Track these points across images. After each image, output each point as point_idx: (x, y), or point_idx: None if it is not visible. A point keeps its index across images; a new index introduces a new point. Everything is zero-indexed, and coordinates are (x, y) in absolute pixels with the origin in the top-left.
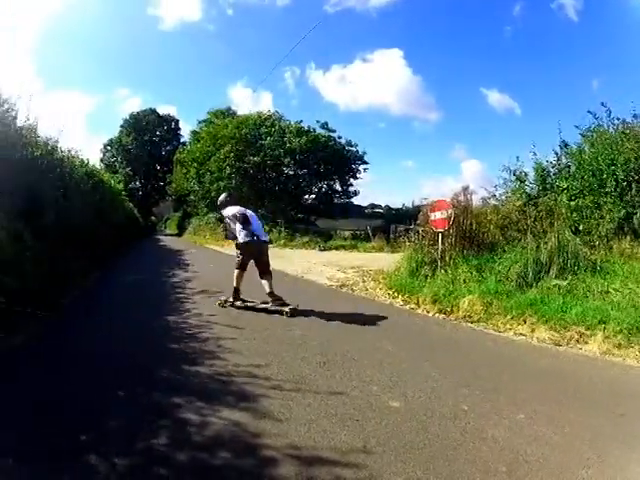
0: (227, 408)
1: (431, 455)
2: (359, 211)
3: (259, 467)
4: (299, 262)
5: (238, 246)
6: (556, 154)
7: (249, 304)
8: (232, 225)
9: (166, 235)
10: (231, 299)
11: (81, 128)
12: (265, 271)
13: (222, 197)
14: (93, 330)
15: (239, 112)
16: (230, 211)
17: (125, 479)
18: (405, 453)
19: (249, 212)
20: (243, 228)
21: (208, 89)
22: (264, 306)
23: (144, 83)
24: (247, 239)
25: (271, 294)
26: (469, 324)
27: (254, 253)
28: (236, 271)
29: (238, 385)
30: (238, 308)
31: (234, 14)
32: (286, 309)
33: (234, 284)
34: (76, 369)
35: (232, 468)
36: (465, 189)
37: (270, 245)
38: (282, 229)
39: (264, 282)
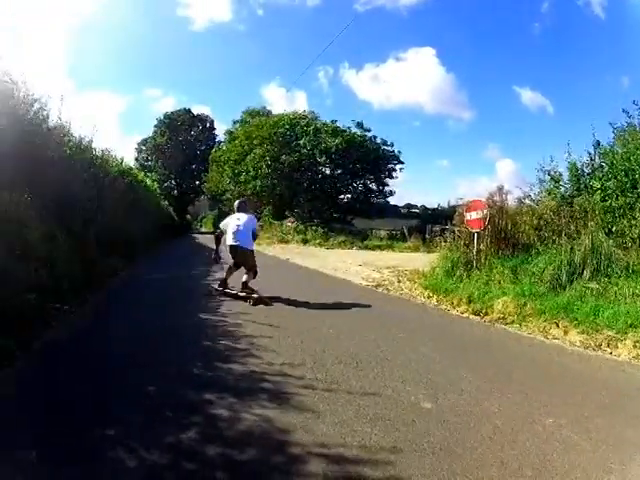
0: (259, 405)
1: (460, 457)
2: (395, 211)
3: (287, 464)
4: (335, 262)
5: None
6: (589, 153)
7: (228, 291)
8: (226, 228)
9: (201, 234)
10: (219, 287)
11: (114, 128)
12: (248, 269)
13: (235, 204)
14: (124, 326)
15: (274, 112)
16: (230, 219)
17: (153, 473)
18: (434, 455)
19: (243, 222)
20: (230, 234)
21: (241, 89)
22: (235, 292)
23: (177, 83)
24: (229, 243)
25: (244, 284)
26: (503, 326)
27: (235, 254)
28: (226, 265)
29: (271, 383)
30: (219, 294)
31: (264, 14)
32: (252, 297)
33: (224, 275)
34: (107, 364)
35: (261, 464)
36: (500, 189)
37: (306, 244)
38: (318, 229)
39: (245, 274)
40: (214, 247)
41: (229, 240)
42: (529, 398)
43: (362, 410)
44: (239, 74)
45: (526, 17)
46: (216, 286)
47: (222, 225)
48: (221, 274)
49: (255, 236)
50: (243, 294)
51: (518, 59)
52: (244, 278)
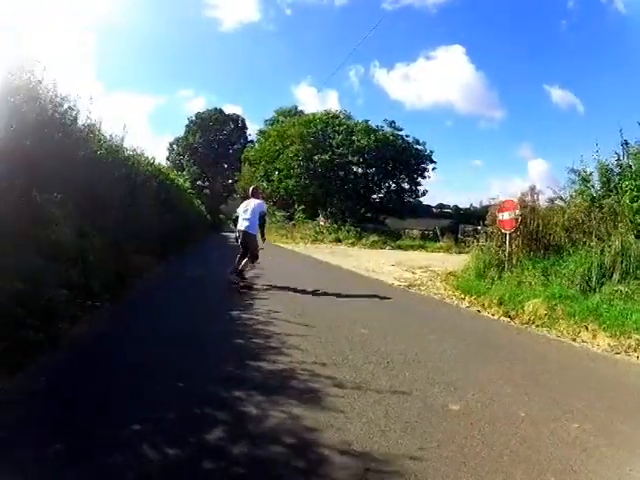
0: (287, 403)
1: (485, 461)
2: (428, 211)
3: (313, 463)
4: (368, 262)
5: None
6: (617, 154)
7: (235, 279)
8: (239, 214)
9: (234, 232)
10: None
11: (145, 128)
12: (246, 254)
13: (249, 190)
14: (154, 324)
15: (305, 111)
16: (243, 205)
17: (176, 469)
18: (460, 458)
19: (252, 206)
20: (240, 219)
21: (272, 89)
22: (234, 277)
23: (207, 84)
24: (239, 227)
25: (240, 270)
26: (533, 328)
27: (242, 238)
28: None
29: (300, 381)
30: (239, 282)
31: (293, 14)
32: (241, 284)
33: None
34: (135, 361)
35: (286, 463)
36: (532, 189)
37: (339, 244)
38: (351, 228)
39: (243, 260)
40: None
41: (239, 224)
42: (556, 402)
43: (390, 410)
44: (269, 74)
45: (553, 14)
46: (234, 276)
47: (238, 210)
48: (251, 271)
49: (264, 220)
50: (234, 279)
51: (546, 57)
52: (240, 265)
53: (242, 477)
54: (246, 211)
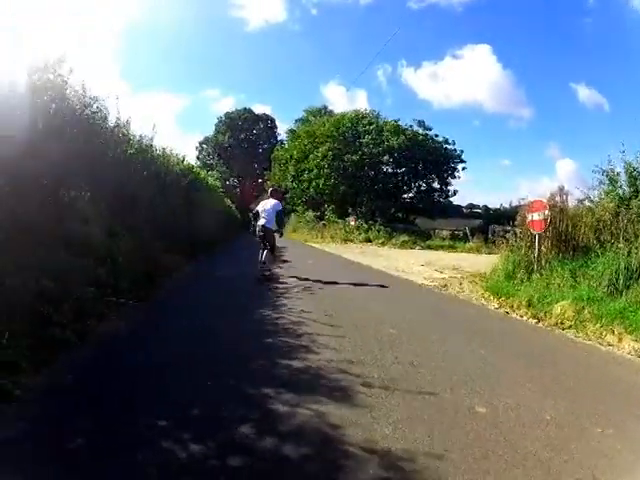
0: (315, 401)
1: (509, 465)
2: (458, 211)
3: (337, 462)
4: (397, 261)
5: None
6: None
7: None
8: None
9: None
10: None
11: (173, 127)
12: (266, 247)
13: (269, 191)
14: (182, 322)
15: (335, 110)
16: (262, 203)
17: (203, 466)
18: (484, 461)
19: (269, 205)
20: (259, 216)
21: (300, 88)
22: (259, 269)
23: (234, 84)
24: (259, 223)
25: (263, 262)
26: (561, 331)
27: (262, 232)
28: (260, 250)
29: (328, 380)
30: (264, 271)
31: (318, 14)
32: (266, 274)
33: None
34: (163, 359)
35: (311, 460)
36: (561, 189)
37: (369, 244)
38: (381, 228)
39: (264, 253)
40: (279, 245)
41: (259, 220)
42: (580, 406)
43: (417, 411)
44: (296, 73)
45: (576, 12)
46: (258, 268)
47: (258, 207)
48: (281, 270)
49: (281, 218)
50: (262, 270)
51: (572, 55)
52: (263, 257)
53: (268, 474)
54: (264, 209)
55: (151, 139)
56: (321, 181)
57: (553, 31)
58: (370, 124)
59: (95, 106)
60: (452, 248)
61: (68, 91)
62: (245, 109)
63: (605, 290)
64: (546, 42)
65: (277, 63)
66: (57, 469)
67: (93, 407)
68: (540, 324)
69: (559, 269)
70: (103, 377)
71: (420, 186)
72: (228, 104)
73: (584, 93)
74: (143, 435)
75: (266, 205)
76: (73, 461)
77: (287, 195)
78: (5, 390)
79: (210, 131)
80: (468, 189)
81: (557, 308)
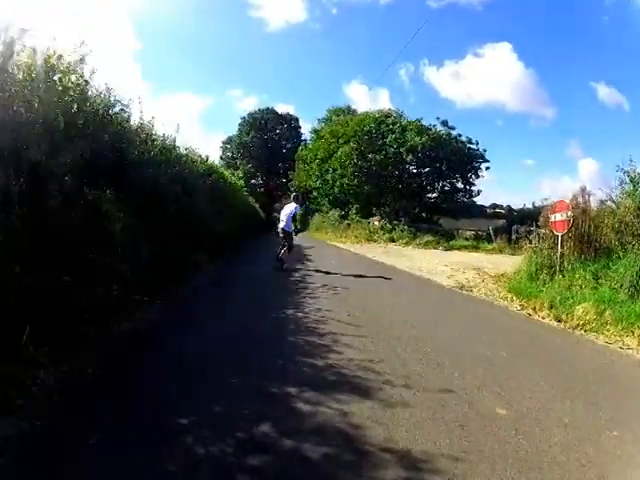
0: (336, 400)
1: (525, 468)
2: (481, 211)
3: (357, 461)
4: (421, 262)
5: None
6: None
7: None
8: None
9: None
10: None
11: (195, 127)
12: (289, 246)
13: (292, 195)
14: (206, 320)
15: (358, 110)
16: (284, 208)
17: (224, 463)
18: (502, 464)
19: (288, 210)
20: (279, 220)
21: (322, 87)
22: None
23: (256, 83)
24: (279, 226)
25: (279, 257)
26: (581, 333)
27: (281, 235)
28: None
29: (350, 379)
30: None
31: (338, 13)
32: (280, 265)
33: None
34: (186, 357)
35: (332, 459)
36: (583, 190)
37: (392, 243)
38: (405, 228)
39: (282, 250)
40: (303, 245)
41: (280, 224)
42: (598, 409)
43: (437, 412)
44: (319, 73)
45: (593, 10)
46: (275, 261)
47: (280, 214)
48: (305, 269)
49: (294, 218)
50: (276, 265)
51: (590, 53)
52: (280, 253)
53: (287, 471)
54: (285, 214)
55: (174, 139)
56: (345, 180)
57: (571, 29)
58: (394, 124)
59: (118, 107)
60: (475, 248)
61: (90, 92)
62: (268, 109)
63: (626, 292)
64: (564, 40)
65: (298, 63)
66: (71, 465)
67: (114, 403)
68: (562, 326)
69: (581, 270)
70: (125, 374)
71: (444, 186)
72: (251, 103)
73: (604, 92)
74: (165, 431)
75: (286, 210)
76: (90, 455)
77: (311, 195)
78: (23, 386)
79: (233, 130)
80: (491, 189)
81: (578, 310)
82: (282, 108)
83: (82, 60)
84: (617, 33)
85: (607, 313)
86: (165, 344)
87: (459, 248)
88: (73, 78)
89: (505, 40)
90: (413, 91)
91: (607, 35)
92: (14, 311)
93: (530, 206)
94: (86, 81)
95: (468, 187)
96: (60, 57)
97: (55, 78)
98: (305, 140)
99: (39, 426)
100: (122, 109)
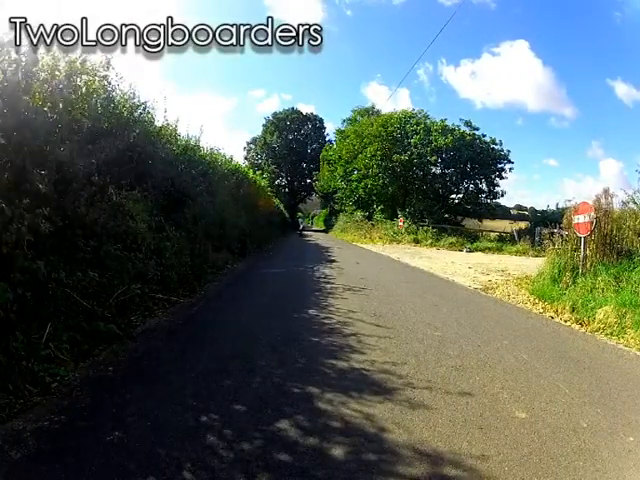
0: (357, 401)
1: (543, 472)
2: (505, 212)
3: (378, 462)
4: (445, 263)
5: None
6: None
7: None
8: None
9: (312, 231)
10: None
11: (219, 127)
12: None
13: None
14: (229, 319)
15: (381, 110)
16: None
17: (244, 461)
18: (518, 467)
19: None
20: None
21: (343, 88)
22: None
23: (278, 85)
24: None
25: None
26: (602, 337)
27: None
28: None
29: (372, 380)
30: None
31: (353, 14)
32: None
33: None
34: (207, 356)
35: (352, 460)
36: (606, 192)
37: (416, 245)
38: (429, 229)
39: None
40: (327, 245)
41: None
42: (616, 414)
43: (457, 414)
44: (338, 74)
45: (606, 6)
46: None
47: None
48: (328, 270)
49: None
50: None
51: (606, 50)
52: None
53: (309, 471)
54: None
55: (198, 139)
56: (370, 181)
57: (585, 26)
58: (418, 124)
59: (142, 108)
60: (499, 250)
61: (115, 93)
62: (292, 109)
63: None
64: (579, 37)
65: (318, 64)
66: (88, 462)
67: (132, 402)
68: (583, 329)
69: (603, 273)
70: (144, 373)
71: (468, 187)
72: (274, 103)
73: (622, 90)
74: (185, 430)
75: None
76: (106, 452)
77: (335, 195)
78: (44, 383)
79: (256, 130)
80: (515, 190)
81: (600, 313)
82: (304, 108)
83: (108, 64)
84: (630, 30)
85: (628, 317)
86: (184, 344)
87: (483, 250)
88: (97, 81)
89: (521, 38)
90: (433, 91)
91: (620, 31)
92: (39, 307)
93: (554, 207)
94: (109, 82)
95: (492, 188)
96: (85, 60)
97: (79, 81)
98: (330, 141)
99: (57, 421)
100: (146, 109)
